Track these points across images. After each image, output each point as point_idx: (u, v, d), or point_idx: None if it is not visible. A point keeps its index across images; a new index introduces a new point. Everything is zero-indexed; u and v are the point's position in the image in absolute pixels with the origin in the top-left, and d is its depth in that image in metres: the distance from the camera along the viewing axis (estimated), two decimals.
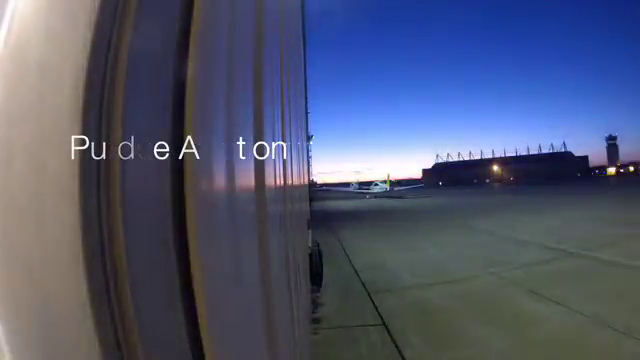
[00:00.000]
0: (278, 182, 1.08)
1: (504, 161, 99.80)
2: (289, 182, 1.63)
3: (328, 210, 21.61)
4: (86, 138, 0.25)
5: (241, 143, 0.56)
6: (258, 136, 0.71)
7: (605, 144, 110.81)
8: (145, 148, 0.31)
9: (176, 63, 0.36)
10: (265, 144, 0.76)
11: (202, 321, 0.36)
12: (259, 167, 0.70)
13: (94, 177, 0.26)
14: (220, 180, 0.44)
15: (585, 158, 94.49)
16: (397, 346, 3.21)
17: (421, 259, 6.70)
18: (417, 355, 3.04)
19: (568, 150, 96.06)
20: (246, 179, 0.59)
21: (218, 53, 0.45)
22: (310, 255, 2.92)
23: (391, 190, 38.73)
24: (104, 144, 0.26)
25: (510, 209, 15.46)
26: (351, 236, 10.11)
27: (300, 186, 3.06)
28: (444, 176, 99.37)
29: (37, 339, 0.25)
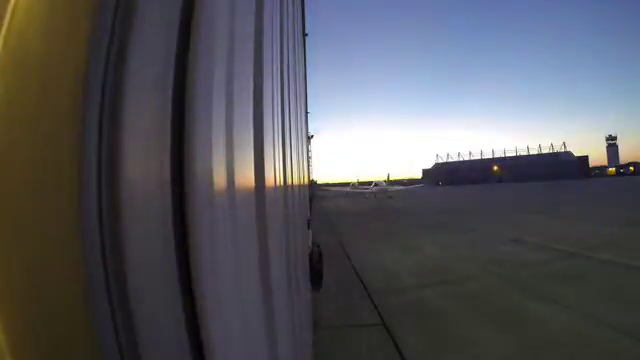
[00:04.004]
0: (278, 182, 1.08)
1: (504, 161, 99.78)
2: (289, 182, 1.63)
3: (327, 210, 21.62)
4: (86, 138, 0.25)
5: (241, 143, 0.56)
6: (258, 136, 0.71)
7: (605, 144, 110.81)
8: (145, 148, 0.31)
9: (176, 63, 0.36)
10: (265, 144, 0.76)
11: (202, 321, 0.36)
12: (259, 167, 0.70)
13: (94, 177, 0.26)
14: (220, 180, 0.44)
15: (585, 158, 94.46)
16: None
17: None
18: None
19: (568, 150, 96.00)
20: (246, 179, 0.59)
21: (218, 53, 0.45)
22: (310, 255, 2.92)
23: (391, 190, 38.63)
24: (104, 144, 0.26)
25: (509, 209, 15.50)
26: (349, 231, 10.13)
27: (300, 186, 3.06)
28: (444, 176, 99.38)
29: (37, 339, 0.25)
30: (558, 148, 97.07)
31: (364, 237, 9.75)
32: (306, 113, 8.23)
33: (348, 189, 48.14)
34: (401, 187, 48.51)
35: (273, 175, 0.94)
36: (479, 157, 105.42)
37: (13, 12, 0.25)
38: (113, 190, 0.26)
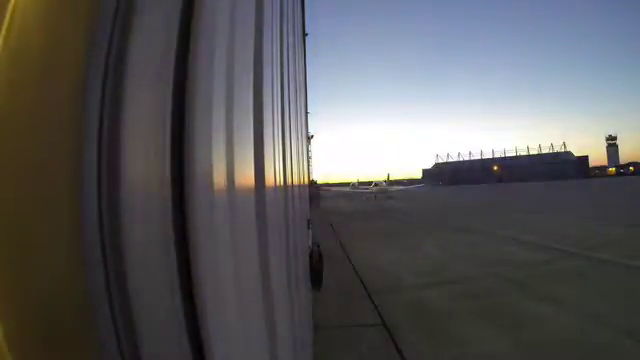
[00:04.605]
0: (278, 182, 1.08)
1: (504, 161, 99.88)
2: (289, 182, 1.63)
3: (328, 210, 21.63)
4: (86, 138, 0.25)
5: (241, 143, 0.56)
6: (258, 136, 0.71)
7: (605, 144, 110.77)
8: (145, 148, 0.31)
9: (176, 63, 0.36)
10: (265, 143, 0.76)
11: (202, 321, 0.36)
12: (259, 167, 0.70)
13: (94, 177, 0.26)
14: (220, 180, 0.44)
15: (585, 158, 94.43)
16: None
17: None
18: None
19: (568, 150, 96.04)
20: (246, 179, 0.59)
21: (218, 52, 0.45)
22: (310, 255, 2.92)
23: (391, 190, 38.53)
24: (104, 144, 0.26)
25: (509, 209, 15.52)
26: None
27: (300, 186, 3.06)
28: (444, 176, 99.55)
29: (37, 339, 0.25)
30: (558, 148, 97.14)
31: (365, 238, 9.75)
32: (306, 113, 8.23)
33: (348, 189, 48.14)
34: (401, 187, 48.46)
35: (273, 175, 0.94)
36: (479, 157, 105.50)
37: (13, 12, 0.25)
38: (113, 190, 0.26)
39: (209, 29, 0.42)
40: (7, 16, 0.25)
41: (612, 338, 3.08)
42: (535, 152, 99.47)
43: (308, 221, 4.10)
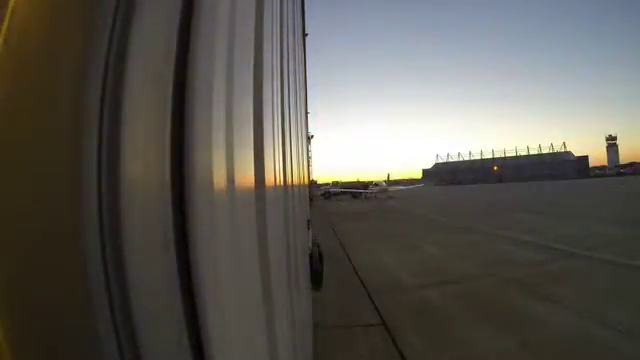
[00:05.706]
0: (278, 182, 1.08)
1: (504, 161, 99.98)
2: (289, 182, 1.63)
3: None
4: (86, 138, 0.25)
5: (241, 143, 0.56)
6: (258, 136, 0.71)
7: (605, 144, 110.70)
8: (145, 148, 0.31)
9: (176, 63, 0.36)
10: (265, 144, 0.76)
11: (202, 321, 0.36)
12: (259, 167, 0.70)
13: (94, 177, 0.26)
14: (220, 180, 0.44)
15: (585, 158, 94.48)
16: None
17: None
18: None
19: (568, 150, 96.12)
20: (246, 179, 0.59)
21: (218, 53, 0.45)
22: (310, 255, 2.92)
23: (391, 190, 38.51)
24: (104, 144, 0.26)
25: (509, 209, 15.53)
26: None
27: (300, 186, 3.06)
28: (444, 176, 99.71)
29: (37, 339, 0.25)
30: (558, 148, 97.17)
31: (365, 238, 9.75)
32: (306, 113, 8.23)
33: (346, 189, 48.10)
34: (402, 187, 48.44)
35: (273, 175, 0.94)
36: (479, 157, 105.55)
37: (13, 12, 0.25)
38: (113, 190, 0.26)
39: (209, 29, 0.42)
40: (7, 16, 0.25)
41: (613, 338, 3.08)
42: (535, 152, 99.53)
43: (308, 221, 4.10)
